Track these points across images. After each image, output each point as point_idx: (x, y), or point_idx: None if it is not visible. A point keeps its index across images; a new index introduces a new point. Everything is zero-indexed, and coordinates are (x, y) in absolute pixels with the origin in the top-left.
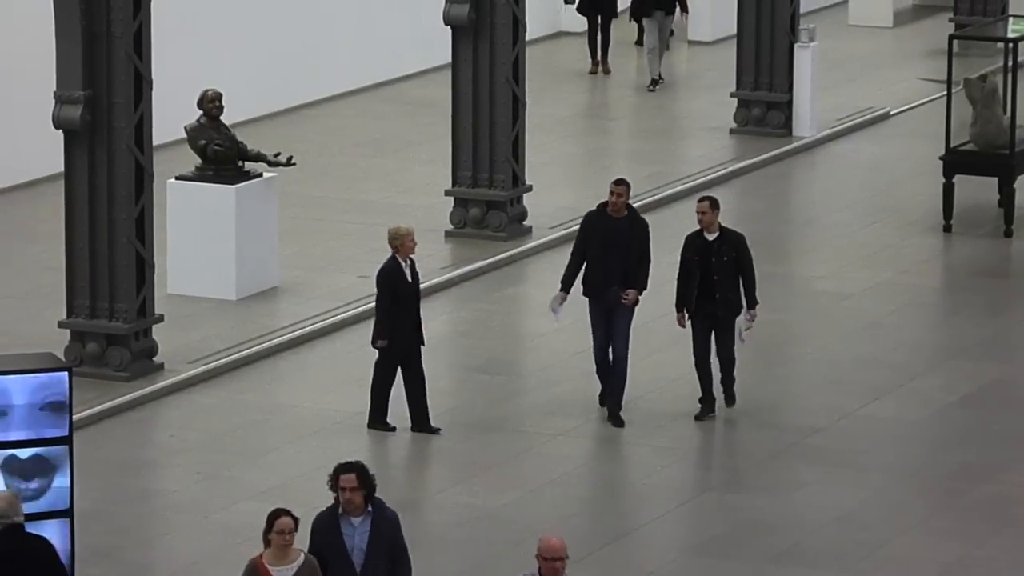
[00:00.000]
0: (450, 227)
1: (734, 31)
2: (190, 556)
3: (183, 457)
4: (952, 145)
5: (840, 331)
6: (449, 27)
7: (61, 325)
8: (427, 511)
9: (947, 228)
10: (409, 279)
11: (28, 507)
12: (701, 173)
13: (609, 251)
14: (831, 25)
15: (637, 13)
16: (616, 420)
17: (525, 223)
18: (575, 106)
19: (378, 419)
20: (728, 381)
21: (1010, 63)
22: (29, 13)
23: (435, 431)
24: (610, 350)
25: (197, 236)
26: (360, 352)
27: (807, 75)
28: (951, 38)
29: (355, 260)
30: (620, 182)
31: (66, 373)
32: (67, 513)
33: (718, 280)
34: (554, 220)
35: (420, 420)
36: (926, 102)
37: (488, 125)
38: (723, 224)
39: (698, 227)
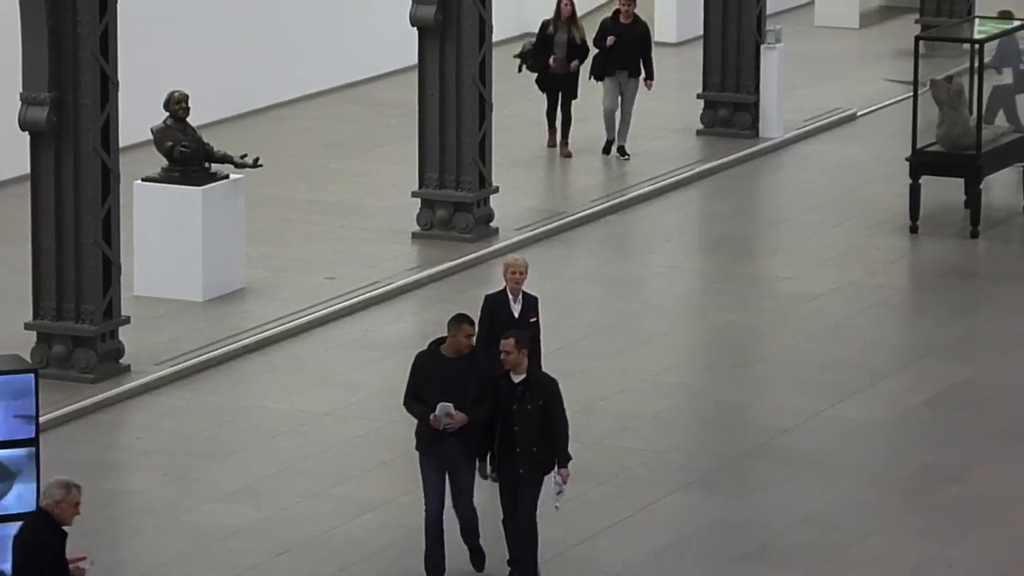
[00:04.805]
0: (417, 228)
1: (700, 32)
2: (158, 557)
3: (150, 459)
4: (919, 146)
5: (807, 332)
6: (416, 28)
7: (27, 327)
8: (395, 512)
9: (914, 229)
10: (515, 314)
11: None
12: (668, 174)
13: (445, 399)
14: (797, 26)
15: (599, 72)
16: (478, 563)
17: (492, 224)
18: (541, 108)
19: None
20: (527, 562)
21: (976, 64)
22: None
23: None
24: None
25: (164, 237)
26: (327, 354)
27: (774, 76)
28: (917, 39)
29: (322, 261)
30: (463, 319)
31: (32, 375)
32: None
33: (519, 431)
34: (521, 222)
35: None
36: (893, 103)
37: (455, 126)
38: (532, 367)
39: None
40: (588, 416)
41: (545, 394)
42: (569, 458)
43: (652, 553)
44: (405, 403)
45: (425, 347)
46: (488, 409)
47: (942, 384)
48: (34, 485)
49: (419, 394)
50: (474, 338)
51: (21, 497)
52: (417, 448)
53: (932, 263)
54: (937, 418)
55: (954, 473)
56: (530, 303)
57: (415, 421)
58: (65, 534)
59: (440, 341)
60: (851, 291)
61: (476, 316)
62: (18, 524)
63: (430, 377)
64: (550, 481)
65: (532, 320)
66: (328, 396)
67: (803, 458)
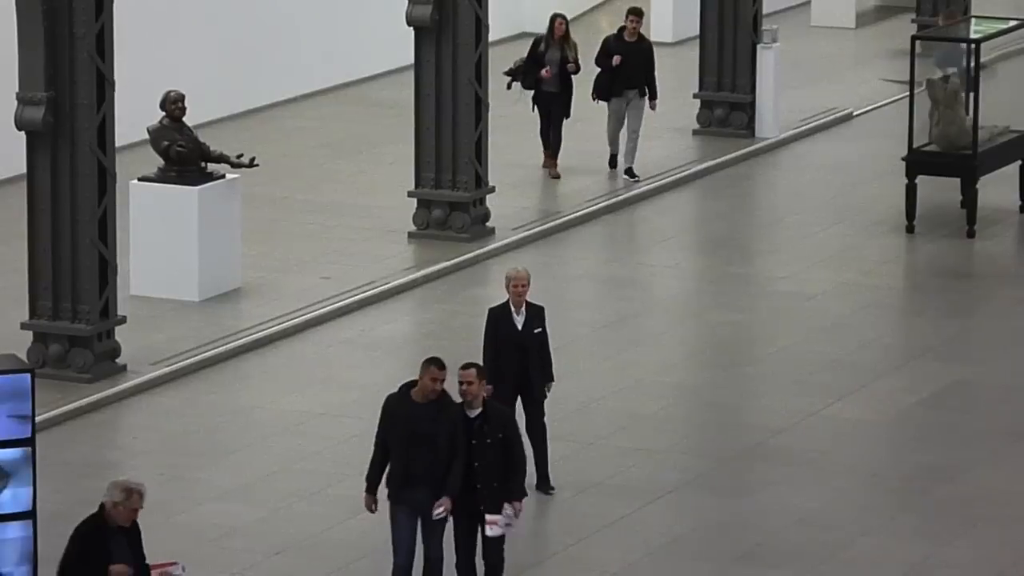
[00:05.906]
0: (413, 228)
1: (697, 32)
2: (154, 557)
3: (146, 458)
4: (914, 146)
5: (803, 332)
6: (412, 28)
7: (24, 326)
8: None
9: (910, 229)
10: (519, 326)
11: None
12: (664, 174)
13: (414, 444)
14: (794, 26)
15: (603, 93)
16: None
17: (488, 224)
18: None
19: None
20: None
21: (972, 64)
22: None
23: (550, 491)
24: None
25: (160, 237)
26: (323, 354)
27: (770, 76)
28: (913, 39)
29: (318, 261)
30: (433, 361)
31: (28, 375)
32: (30, 515)
33: (479, 467)
34: (517, 221)
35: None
36: (889, 103)
37: (451, 126)
38: (488, 396)
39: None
40: (584, 416)
41: (506, 427)
42: (524, 493)
43: (648, 553)
44: (375, 447)
45: (396, 389)
46: (461, 465)
47: (938, 384)
48: (30, 486)
49: (386, 441)
50: (441, 383)
51: (17, 497)
52: (389, 497)
53: (928, 263)
54: (932, 418)
55: (949, 473)
56: (534, 313)
57: None
58: (109, 533)
59: (412, 384)
60: (847, 291)
61: (468, 323)
62: (14, 524)
63: (397, 421)
64: (501, 517)
65: (537, 331)
66: (324, 396)
67: (799, 458)
